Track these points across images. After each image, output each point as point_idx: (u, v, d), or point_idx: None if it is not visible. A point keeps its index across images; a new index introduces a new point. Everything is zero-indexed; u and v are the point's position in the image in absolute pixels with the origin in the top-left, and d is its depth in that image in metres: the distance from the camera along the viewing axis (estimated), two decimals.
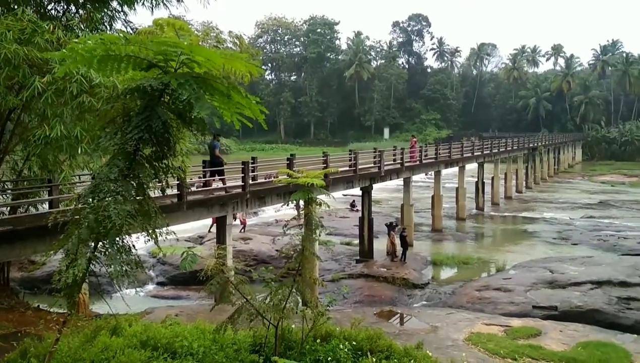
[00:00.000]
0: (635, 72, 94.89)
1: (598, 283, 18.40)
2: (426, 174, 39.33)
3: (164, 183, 6.00)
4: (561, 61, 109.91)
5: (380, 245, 24.72)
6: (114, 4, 13.96)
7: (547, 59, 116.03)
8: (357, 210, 32.41)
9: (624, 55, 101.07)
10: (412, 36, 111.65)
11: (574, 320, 15.40)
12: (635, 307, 16.56)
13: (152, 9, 14.45)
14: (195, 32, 21.88)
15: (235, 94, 5.23)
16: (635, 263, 20.95)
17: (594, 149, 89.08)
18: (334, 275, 21.00)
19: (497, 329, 14.00)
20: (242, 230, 28.09)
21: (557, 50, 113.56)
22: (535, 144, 57.28)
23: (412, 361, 7.43)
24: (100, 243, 5.39)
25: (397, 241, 23.11)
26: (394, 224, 24.62)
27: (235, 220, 29.15)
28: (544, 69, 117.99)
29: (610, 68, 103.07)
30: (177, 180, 10.91)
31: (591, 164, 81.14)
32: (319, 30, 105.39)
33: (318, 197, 7.33)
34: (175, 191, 13.10)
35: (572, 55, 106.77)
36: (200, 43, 14.63)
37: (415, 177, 31.20)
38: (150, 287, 20.75)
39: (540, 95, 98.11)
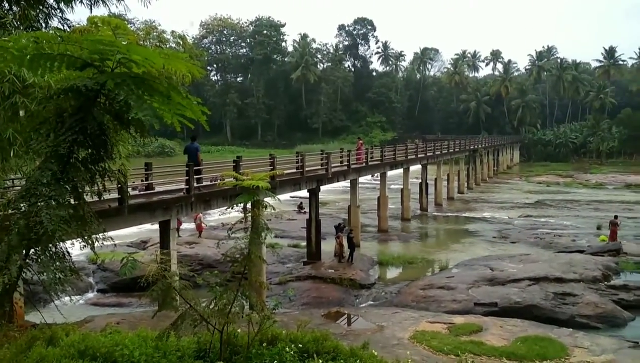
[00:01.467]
0: (569, 77, 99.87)
1: (535, 279, 19.17)
2: (372, 176, 39.94)
3: (101, 187, 5.76)
4: (500, 66, 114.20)
5: (328, 246, 24.83)
6: (50, 0, 13.36)
7: (487, 64, 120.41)
8: (305, 212, 32.43)
9: (558, 60, 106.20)
10: (358, 40, 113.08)
11: (513, 316, 15.98)
12: (570, 302, 17.38)
13: (91, 7, 13.91)
14: (137, 31, 21.23)
15: (176, 95, 5.09)
16: (569, 260, 21.99)
17: (530, 151, 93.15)
18: (282, 278, 20.93)
19: (441, 326, 14.34)
20: (198, 236, 27.48)
21: (495, 55, 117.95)
22: (476, 146, 59.23)
23: (358, 361, 7.48)
24: (32, 250, 5.13)
25: (345, 242, 23.28)
26: (341, 226, 24.80)
27: (181, 225, 28.56)
28: (483, 74, 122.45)
29: (545, 73, 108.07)
30: (118, 184, 10.54)
31: (528, 165, 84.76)
32: (265, 31, 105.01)
33: (264, 199, 7.27)
34: (116, 195, 12.66)
35: (509, 61, 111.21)
36: (140, 42, 14.20)
37: (361, 179, 31.58)
38: (91, 294, 19.99)
39: (480, 98, 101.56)
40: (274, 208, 7.34)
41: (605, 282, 19.87)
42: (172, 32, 22.08)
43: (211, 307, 6.88)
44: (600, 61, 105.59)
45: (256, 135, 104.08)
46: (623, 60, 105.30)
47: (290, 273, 21.91)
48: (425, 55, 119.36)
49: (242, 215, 7.46)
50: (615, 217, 28.46)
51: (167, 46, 19.40)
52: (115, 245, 6.93)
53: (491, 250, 26.69)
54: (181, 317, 7.05)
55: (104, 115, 5.25)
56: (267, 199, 7.33)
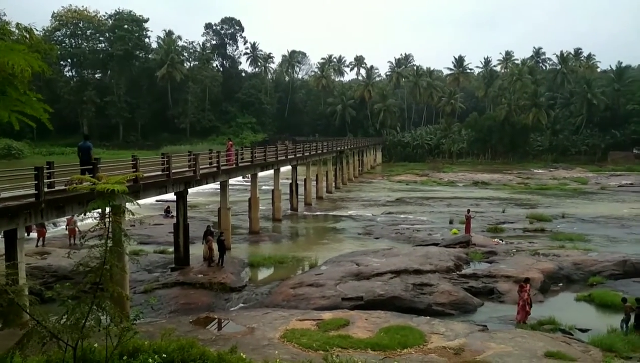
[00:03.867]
0: (424, 84, 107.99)
1: (397, 272, 20.36)
2: (243, 177, 39.61)
3: None
4: (363, 71, 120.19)
5: (197, 251, 24.14)
6: None
7: (351, 69, 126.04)
8: (173, 216, 31.25)
9: (415, 68, 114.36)
10: (226, 39, 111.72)
11: (377, 308, 16.78)
12: (427, 292, 18.70)
13: None
14: None
15: (12, 90, 4.57)
16: (426, 253, 23.68)
17: (391, 152, 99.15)
18: (147, 286, 19.91)
19: (310, 323, 14.62)
20: (40, 244, 25.15)
21: (359, 61, 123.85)
22: (343, 148, 61.62)
23: None
24: None
25: (215, 246, 22.82)
26: (210, 229, 24.30)
27: (30, 233, 25.97)
28: (348, 78, 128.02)
29: (403, 79, 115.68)
30: None
31: (390, 165, 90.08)
32: (126, 26, 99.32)
33: (124, 204, 6.82)
34: None
35: (372, 67, 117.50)
36: None
37: (232, 181, 31.19)
38: None
39: (345, 102, 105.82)
40: (132, 214, 6.92)
41: (458, 272, 21.69)
42: (17, 24, 20.08)
43: (62, 321, 6.29)
44: (451, 69, 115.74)
45: (118, 135, 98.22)
46: (470, 69, 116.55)
47: (156, 280, 20.91)
48: (294, 58, 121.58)
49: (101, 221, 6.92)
50: (468, 211, 31.37)
51: (13, 39, 17.50)
52: None
53: (357, 246, 27.82)
54: (27, 335, 6.36)
55: None
56: (129, 204, 6.89)
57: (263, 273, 23.41)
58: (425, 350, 12.63)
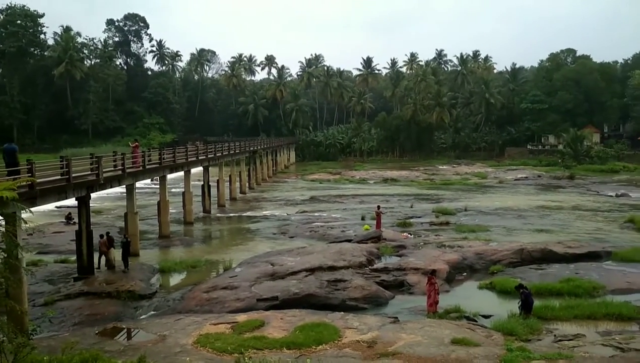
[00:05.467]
0: (334, 84, 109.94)
1: (311, 270, 20.54)
2: (152, 180, 38.25)
3: None
4: (274, 71, 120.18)
5: (102, 258, 22.96)
6: None
7: (262, 68, 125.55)
8: (75, 223, 29.44)
9: (325, 68, 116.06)
10: (130, 36, 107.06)
11: (293, 307, 16.81)
12: (341, 288, 19.00)
13: None
14: None
15: None
16: (340, 249, 24.07)
17: (305, 151, 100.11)
18: (48, 298, 18.62)
19: (225, 327, 14.37)
20: None
21: (270, 60, 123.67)
22: (256, 148, 61.27)
23: None
24: None
25: (112, 252, 21.98)
26: (109, 234, 23.43)
27: None
28: (260, 78, 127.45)
29: (314, 79, 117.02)
30: None
31: (303, 164, 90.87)
32: (19, 22, 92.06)
33: (19, 212, 6.31)
34: None
35: (283, 66, 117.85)
36: None
37: (140, 184, 29.97)
38: None
39: (257, 101, 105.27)
40: (25, 222, 6.42)
41: (370, 266, 22.23)
42: None
43: None
44: (360, 70, 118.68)
45: (11, 138, 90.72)
46: (378, 70, 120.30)
47: (58, 291, 19.61)
48: (203, 57, 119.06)
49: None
50: (379, 207, 32.33)
51: None
52: None
53: (272, 247, 27.73)
54: None
55: None
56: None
57: (175, 279, 22.68)
58: (340, 345, 12.84)
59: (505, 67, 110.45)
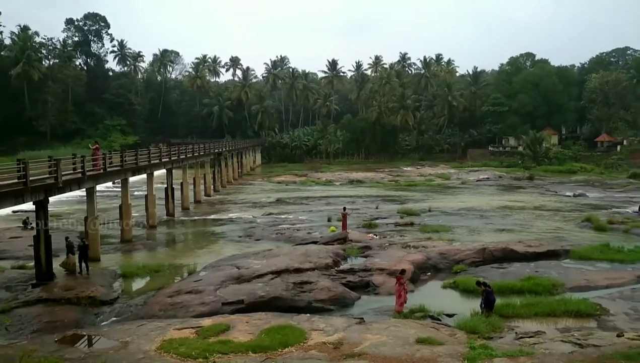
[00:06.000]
0: (300, 86, 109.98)
1: (277, 272, 20.44)
2: (114, 183, 37.44)
3: None
4: (239, 72, 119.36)
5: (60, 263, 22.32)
6: None
7: (227, 70, 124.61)
8: (33, 228, 28.50)
9: (291, 70, 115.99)
10: (90, 36, 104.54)
11: (259, 310, 16.66)
12: (307, 290, 18.98)
13: None
14: None
15: None
16: (306, 251, 24.07)
17: (271, 153, 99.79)
18: (4, 305, 18.00)
19: (189, 332, 14.14)
20: None
21: (235, 62, 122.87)
22: (221, 150, 60.67)
23: None
24: None
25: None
26: (68, 239, 22.80)
27: None
28: (224, 79, 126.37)
29: (280, 81, 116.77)
30: None
31: (269, 166, 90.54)
32: None
33: None
34: None
35: (248, 68, 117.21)
36: None
37: (101, 187, 29.25)
38: None
39: (222, 103, 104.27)
40: None
41: (336, 268, 22.29)
42: None
43: None
44: (325, 72, 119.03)
45: None
46: (343, 72, 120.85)
47: (16, 298, 18.97)
48: (166, 58, 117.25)
49: None
50: (344, 208, 32.50)
51: None
52: None
53: (238, 250, 27.46)
54: None
55: None
56: None
57: (138, 284, 22.21)
58: (306, 348, 12.81)
59: (467, 71, 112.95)
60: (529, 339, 13.46)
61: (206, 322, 15.11)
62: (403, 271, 18.42)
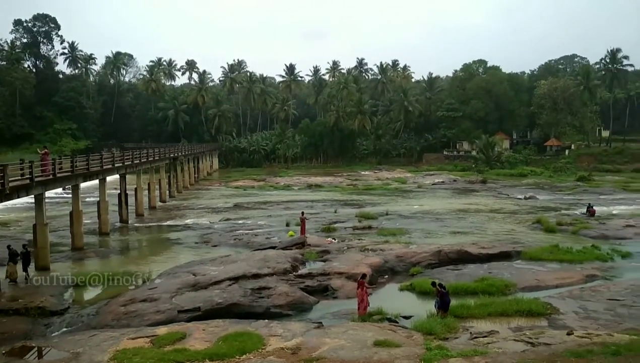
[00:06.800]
0: (257, 90, 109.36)
1: (235, 279, 20.19)
2: (64, 189, 36.23)
3: None
4: (195, 76, 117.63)
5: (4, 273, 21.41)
6: None
7: (183, 73, 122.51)
8: None
9: (248, 74, 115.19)
10: (39, 38, 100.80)
11: (216, 317, 16.40)
12: (265, 295, 18.85)
13: None
14: None
15: None
16: (264, 256, 23.88)
17: (228, 158, 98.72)
18: None
19: (144, 341, 13.79)
20: None
21: (191, 65, 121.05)
22: (176, 154, 59.61)
23: None
24: None
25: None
26: (11, 247, 21.99)
27: None
28: (180, 83, 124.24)
29: (237, 85, 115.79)
30: None
31: (227, 171, 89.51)
32: None
33: None
34: None
35: (204, 71, 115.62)
36: None
37: (50, 193, 28.22)
38: None
39: (178, 107, 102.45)
40: None
41: (294, 273, 22.21)
42: None
43: None
44: (283, 77, 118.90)
45: None
46: (301, 77, 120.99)
47: None
48: (119, 60, 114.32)
49: None
50: (303, 213, 32.47)
51: None
52: None
53: (195, 256, 27.02)
54: None
55: None
56: None
57: (90, 293, 21.50)
58: (264, 354, 12.70)
59: (423, 77, 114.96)
60: (483, 339, 13.76)
61: (162, 330, 14.78)
62: (364, 275, 18.56)
